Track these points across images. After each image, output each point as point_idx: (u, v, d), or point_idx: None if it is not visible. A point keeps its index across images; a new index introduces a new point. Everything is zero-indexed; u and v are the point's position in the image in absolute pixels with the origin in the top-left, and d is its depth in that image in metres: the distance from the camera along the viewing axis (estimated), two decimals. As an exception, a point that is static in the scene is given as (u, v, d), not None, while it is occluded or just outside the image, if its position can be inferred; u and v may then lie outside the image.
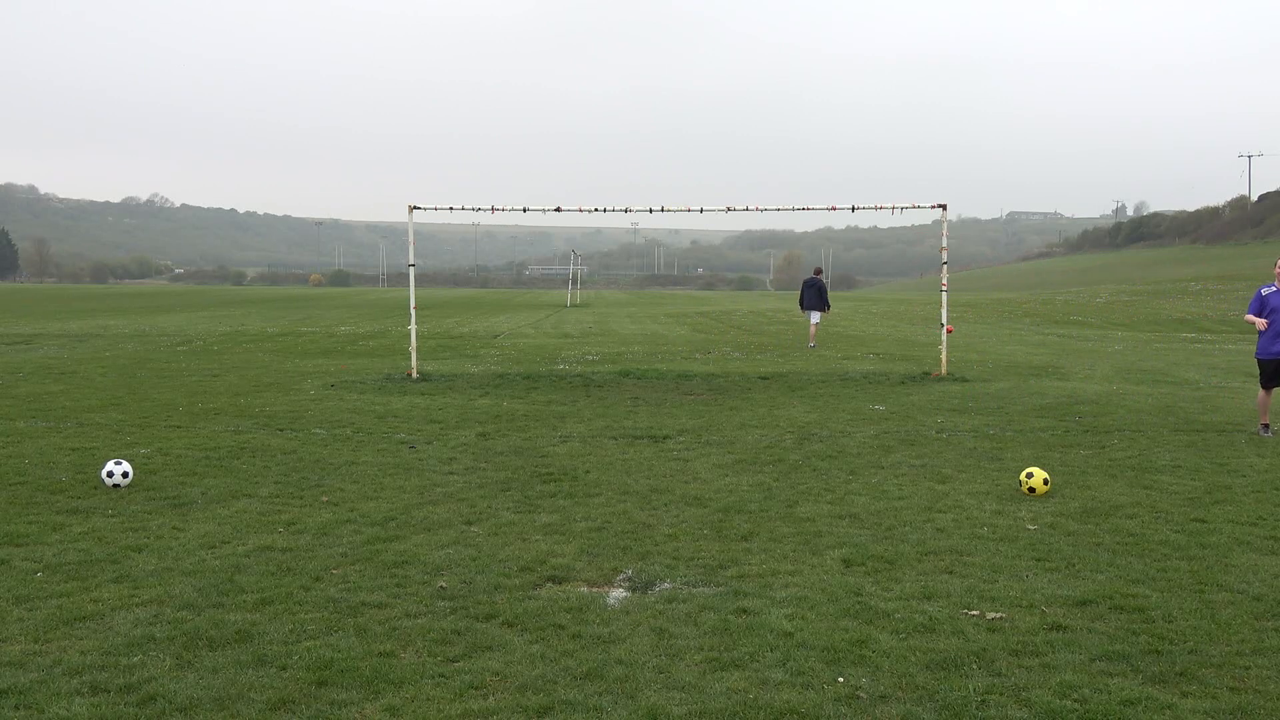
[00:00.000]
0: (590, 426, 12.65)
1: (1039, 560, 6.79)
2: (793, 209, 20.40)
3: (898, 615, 5.71)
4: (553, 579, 6.42)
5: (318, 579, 6.39)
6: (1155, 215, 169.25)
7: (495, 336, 31.90)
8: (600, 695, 4.69)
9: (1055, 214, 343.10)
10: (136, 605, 5.87)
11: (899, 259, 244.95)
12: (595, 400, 15.22)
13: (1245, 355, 25.23)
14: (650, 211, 19.30)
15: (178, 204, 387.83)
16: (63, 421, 12.82)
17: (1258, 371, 12.44)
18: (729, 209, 19.09)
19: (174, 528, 7.60)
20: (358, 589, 6.18)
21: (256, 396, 15.56)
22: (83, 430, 12.12)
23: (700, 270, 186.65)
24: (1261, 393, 12.26)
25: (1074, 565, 6.68)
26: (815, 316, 27.06)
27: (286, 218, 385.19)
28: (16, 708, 4.54)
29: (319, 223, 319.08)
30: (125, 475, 8.82)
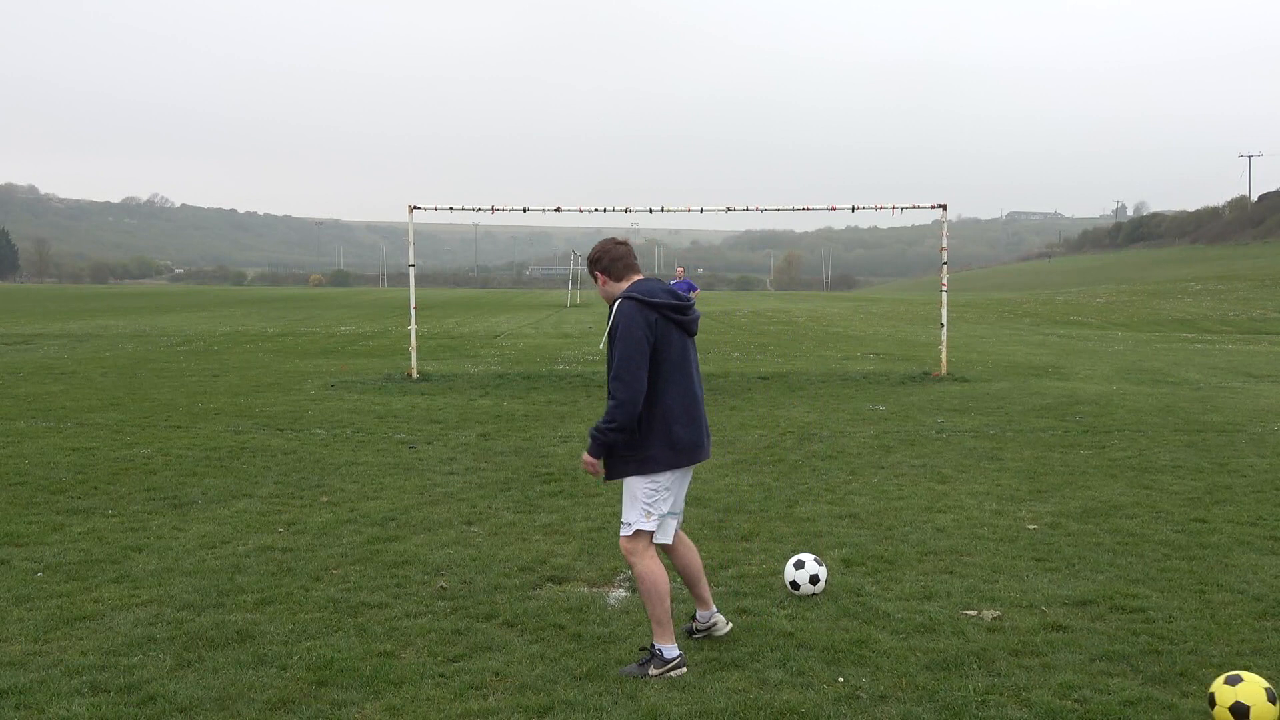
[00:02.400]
0: (590, 426, 12.63)
1: (1039, 560, 6.79)
2: (793, 209, 20.39)
3: (898, 615, 5.71)
4: (553, 579, 6.42)
5: (318, 579, 6.39)
6: (1155, 215, 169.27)
7: (495, 337, 31.90)
8: (600, 695, 4.68)
9: (1055, 214, 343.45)
10: (137, 605, 5.87)
11: (899, 259, 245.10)
12: (595, 400, 15.21)
13: (1245, 355, 25.23)
14: (650, 212, 19.28)
15: (178, 204, 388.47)
16: (63, 422, 12.82)
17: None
18: (729, 209, 19.09)
19: (174, 528, 7.60)
20: (358, 589, 6.18)
21: (257, 396, 15.55)
22: (83, 430, 12.12)
23: (700, 270, 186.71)
24: None
25: (1074, 565, 6.67)
26: None
27: (286, 218, 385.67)
28: (17, 708, 4.53)
29: (319, 223, 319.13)
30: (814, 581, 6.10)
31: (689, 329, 5.11)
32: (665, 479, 5.02)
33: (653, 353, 4.91)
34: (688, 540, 5.35)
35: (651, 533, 5.04)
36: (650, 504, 5.01)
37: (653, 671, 4.89)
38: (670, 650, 4.95)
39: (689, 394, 5.03)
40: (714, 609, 5.40)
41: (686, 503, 8.42)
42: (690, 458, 5.04)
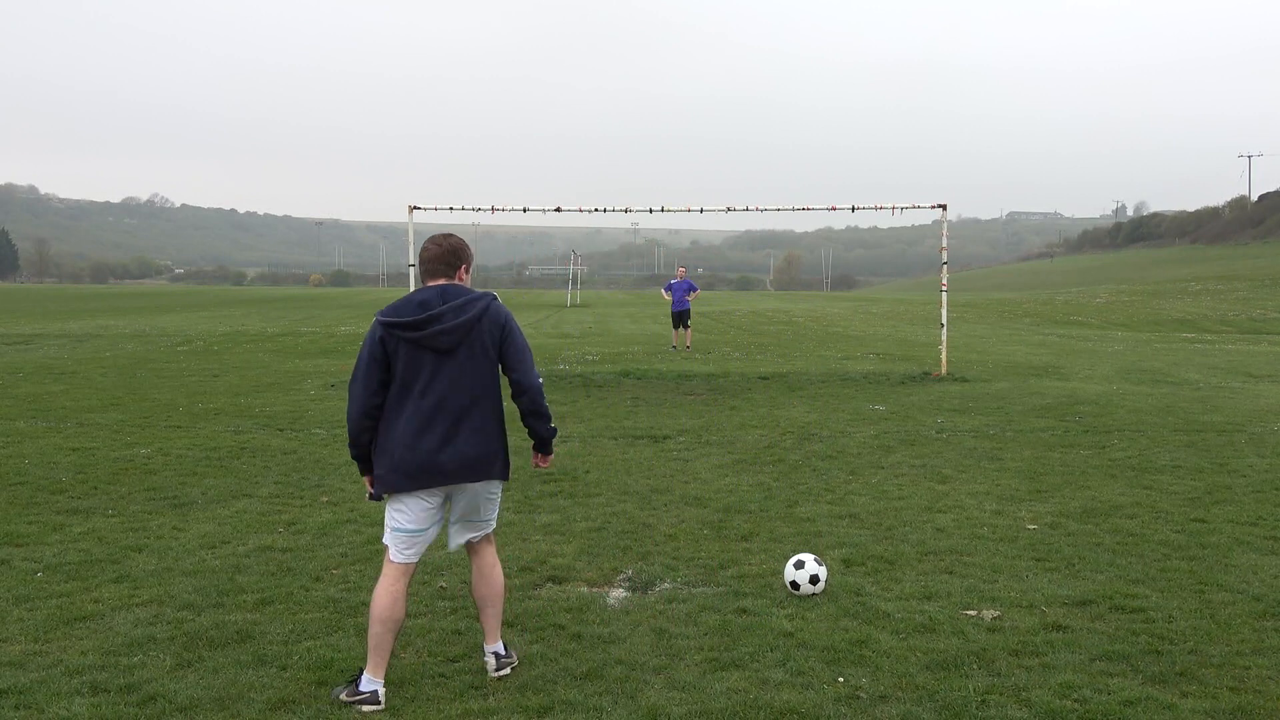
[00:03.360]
0: (590, 426, 12.64)
1: (1039, 560, 6.79)
2: (793, 209, 20.39)
3: (898, 615, 5.71)
4: (553, 579, 6.42)
5: (318, 579, 6.39)
6: (1155, 215, 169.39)
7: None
8: (600, 695, 4.68)
9: (1055, 214, 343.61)
10: (137, 605, 5.87)
11: (899, 259, 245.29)
12: (595, 400, 15.22)
13: (1245, 355, 25.23)
14: (650, 211, 19.28)
15: (178, 204, 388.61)
16: (63, 422, 12.82)
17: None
18: (729, 209, 19.09)
19: (174, 528, 7.60)
20: (358, 589, 6.18)
21: (257, 396, 15.55)
22: (83, 430, 12.12)
23: (700, 270, 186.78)
24: None
25: (1074, 565, 6.68)
26: None
27: (286, 218, 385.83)
28: (17, 708, 4.53)
29: (319, 223, 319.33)
30: (814, 581, 6.08)
31: (431, 344, 4.69)
32: (403, 500, 4.75)
33: (389, 371, 4.70)
34: (485, 567, 5.02)
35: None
36: (391, 524, 4.79)
37: (344, 696, 4.62)
38: (368, 683, 4.62)
39: (419, 414, 4.68)
40: (497, 644, 4.98)
41: (686, 503, 8.46)
42: (418, 482, 4.68)
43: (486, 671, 4.93)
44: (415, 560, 4.84)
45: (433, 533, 4.86)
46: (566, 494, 8.80)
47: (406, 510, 4.76)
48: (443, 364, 4.72)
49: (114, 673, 4.91)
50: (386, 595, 4.73)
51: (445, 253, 4.84)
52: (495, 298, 4.90)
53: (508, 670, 4.95)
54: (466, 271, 4.89)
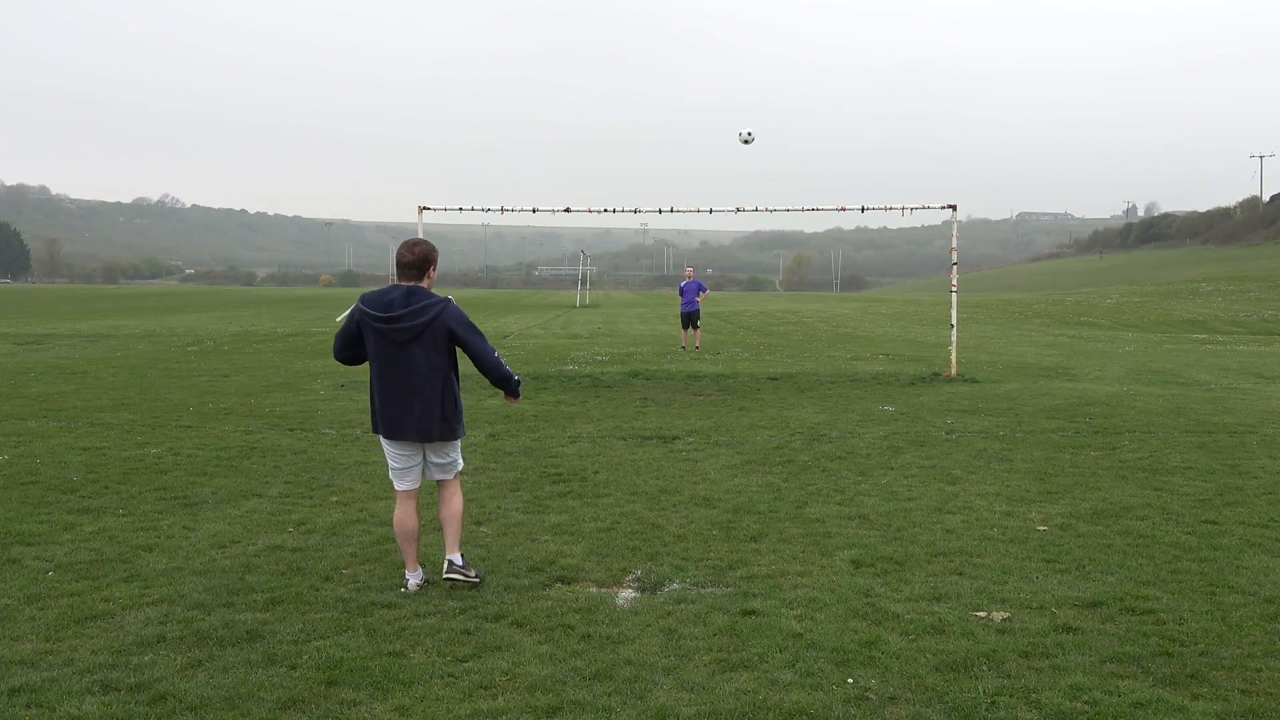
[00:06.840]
0: (599, 427, 12.65)
1: (1049, 562, 6.77)
2: (802, 209, 20.42)
3: (907, 616, 5.70)
4: (562, 579, 6.42)
5: (328, 579, 6.40)
6: (1166, 216, 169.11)
7: (504, 337, 31.93)
8: (609, 696, 4.68)
9: (1065, 214, 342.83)
10: (147, 604, 5.89)
11: (908, 260, 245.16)
12: (604, 401, 15.22)
13: (1257, 356, 25.13)
14: (660, 212, 19.29)
15: (188, 204, 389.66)
16: (74, 421, 12.87)
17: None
18: (739, 209, 19.08)
19: (184, 527, 7.62)
20: (367, 589, 6.20)
21: (267, 396, 15.59)
22: (94, 430, 12.17)
23: (710, 270, 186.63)
24: None
25: (1084, 567, 6.65)
26: None
27: (296, 218, 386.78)
28: (28, 706, 4.55)
29: (329, 223, 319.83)
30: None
31: (388, 336, 6.01)
32: (383, 442, 6.29)
33: (359, 339, 6.17)
34: (445, 497, 6.44)
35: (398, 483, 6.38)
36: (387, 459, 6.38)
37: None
38: (411, 577, 6.26)
39: (384, 383, 6.09)
40: (453, 553, 6.30)
41: (695, 503, 8.46)
42: (388, 432, 6.17)
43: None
44: (412, 486, 6.35)
45: (414, 471, 6.35)
46: (575, 494, 8.80)
47: (390, 451, 6.32)
48: (394, 349, 6.04)
49: (124, 671, 4.92)
50: (398, 512, 6.32)
51: (417, 259, 6.11)
52: (450, 302, 6.07)
53: (456, 578, 6.19)
54: (433, 272, 6.17)
